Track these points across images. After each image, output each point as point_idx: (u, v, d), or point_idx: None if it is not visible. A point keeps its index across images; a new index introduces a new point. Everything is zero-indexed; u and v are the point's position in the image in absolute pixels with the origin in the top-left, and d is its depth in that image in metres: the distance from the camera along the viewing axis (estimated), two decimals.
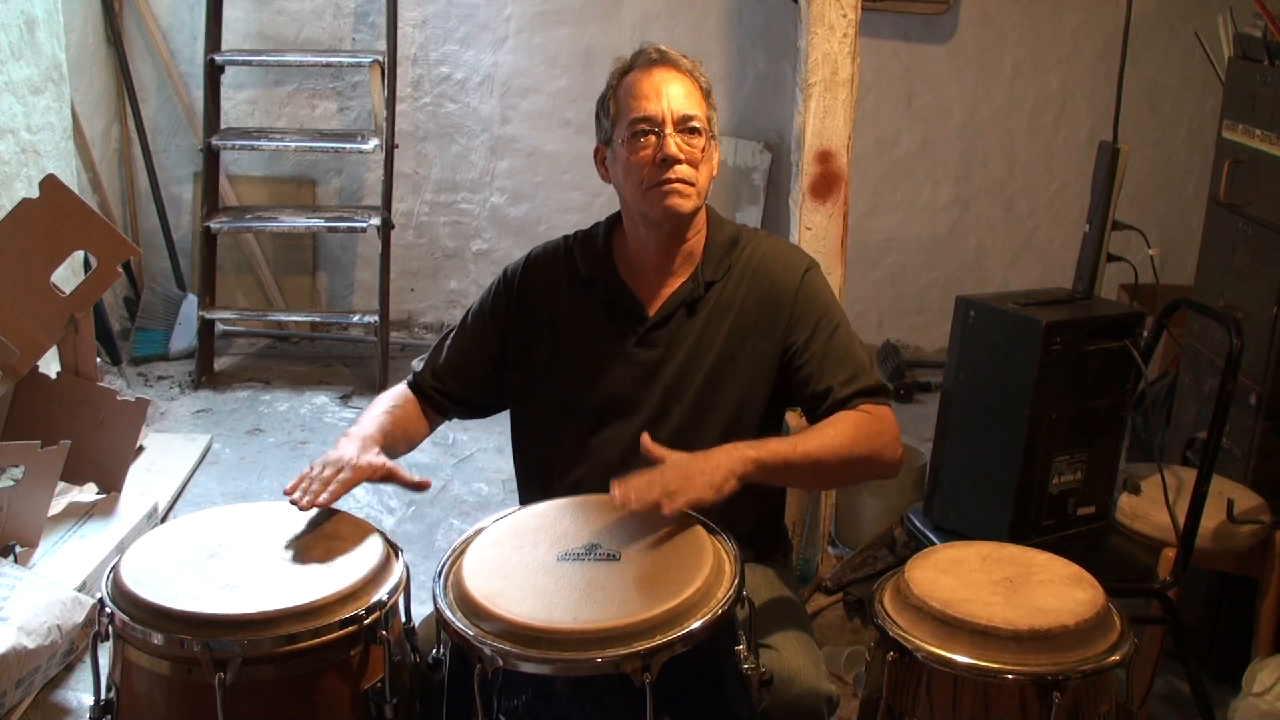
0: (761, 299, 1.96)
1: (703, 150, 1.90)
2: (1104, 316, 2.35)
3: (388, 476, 1.82)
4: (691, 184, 1.88)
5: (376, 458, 1.82)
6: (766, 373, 1.96)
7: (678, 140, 1.87)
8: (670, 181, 1.87)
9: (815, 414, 1.93)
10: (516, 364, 2.03)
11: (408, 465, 1.92)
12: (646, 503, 1.65)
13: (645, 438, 1.76)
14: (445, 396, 2.05)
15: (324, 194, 5.03)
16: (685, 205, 1.89)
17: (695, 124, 1.88)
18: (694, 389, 1.94)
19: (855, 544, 3.20)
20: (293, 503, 1.74)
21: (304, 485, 1.76)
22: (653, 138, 1.87)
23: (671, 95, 1.88)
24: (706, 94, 1.93)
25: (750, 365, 1.95)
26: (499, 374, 2.05)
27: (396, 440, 1.95)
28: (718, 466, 1.71)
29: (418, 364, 2.09)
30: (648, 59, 1.92)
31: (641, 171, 1.88)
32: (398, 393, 2.06)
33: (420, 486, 1.87)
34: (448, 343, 2.07)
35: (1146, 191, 4.78)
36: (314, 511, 1.79)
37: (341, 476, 1.77)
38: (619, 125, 1.90)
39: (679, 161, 1.86)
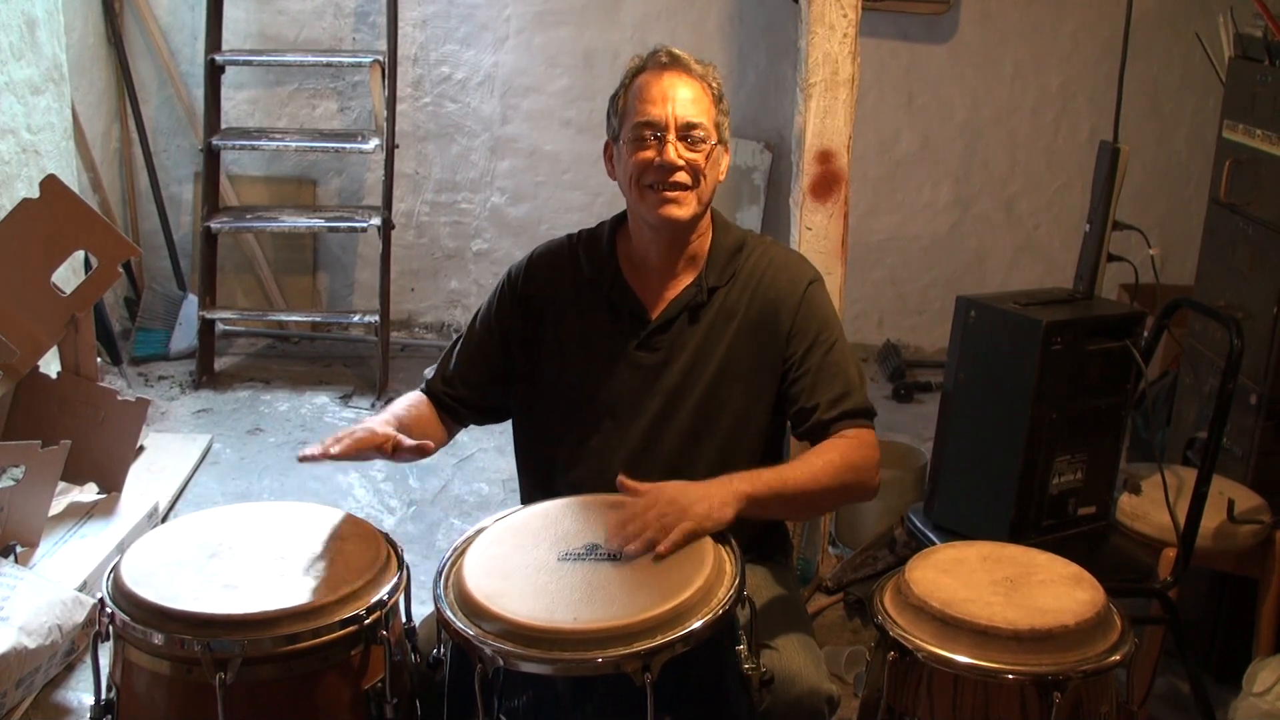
0: (764, 309, 1.95)
1: (707, 156, 1.89)
2: (1104, 316, 2.35)
3: (396, 447, 1.76)
4: (690, 190, 1.88)
5: (390, 430, 1.78)
6: (767, 385, 1.95)
7: (679, 147, 1.86)
8: (667, 188, 1.86)
9: (799, 429, 1.92)
10: (521, 363, 2.02)
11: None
12: (642, 547, 1.63)
13: (622, 479, 1.73)
14: (459, 402, 2.03)
15: (324, 194, 5.03)
16: (680, 213, 1.88)
17: (700, 132, 1.87)
18: (696, 396, 1.93)
19: (855, 544, 3.19)
20: (303, 457, 1.68)
21: (318, 444, 1.71)
22: (654, 141, 1.86)
23: (678, 101, 1.87)
24: (718, 99, 1.92)
25: (751, 376, 1.94)
26: (507, 377, 2.03)
27: (412, 435, 1.91)
28: (712, 495, 1.69)
29: (429, 372, 2.07)
30: (658, 62, 1.91)
31: (640, 174, 1.88)
32: (414, 395, 2.04)
33: (422, 450, 1.80)
34: (457, 349, 2.06)
35: (1147, 191, 4.78)
36: (314, 511, 1.79)
37: (355, 434, 1.73)
38: (625, 125, 1.90)
39: (678, 168, 1.86)
